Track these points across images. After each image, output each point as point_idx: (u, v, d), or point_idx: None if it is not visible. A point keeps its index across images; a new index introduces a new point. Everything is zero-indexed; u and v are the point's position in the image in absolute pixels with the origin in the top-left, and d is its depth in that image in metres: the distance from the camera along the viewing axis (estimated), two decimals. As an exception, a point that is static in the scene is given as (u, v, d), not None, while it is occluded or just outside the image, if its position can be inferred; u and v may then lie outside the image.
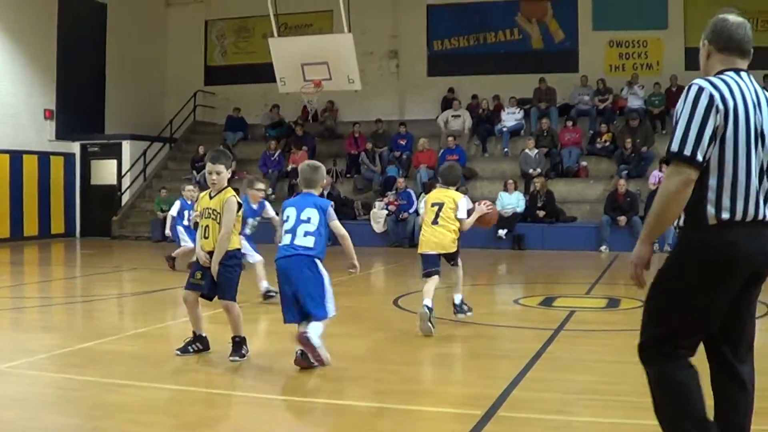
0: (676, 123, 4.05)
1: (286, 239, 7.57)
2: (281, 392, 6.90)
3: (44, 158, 25.96)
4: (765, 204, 4.08)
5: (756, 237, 4.05)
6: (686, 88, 4.10)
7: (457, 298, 9.91)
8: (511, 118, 26.03)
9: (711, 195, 4.00)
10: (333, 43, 22.46)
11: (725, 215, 3.99)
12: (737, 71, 4.14)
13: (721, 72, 4.14)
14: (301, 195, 7.89)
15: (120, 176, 27.50)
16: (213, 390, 6.94)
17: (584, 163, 24.17)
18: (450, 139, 24.89)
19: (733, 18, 4.20)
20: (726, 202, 3.99)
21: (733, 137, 3.98)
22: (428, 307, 9.16)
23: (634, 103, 25.05)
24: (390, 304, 11.73)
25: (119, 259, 18.35)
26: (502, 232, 21.44)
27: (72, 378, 7.13)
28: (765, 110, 4.10)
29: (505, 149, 25.59)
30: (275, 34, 22.95)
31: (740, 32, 4.18)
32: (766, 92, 4.19)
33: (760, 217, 4.05)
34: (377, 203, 23.54)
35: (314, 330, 7.32)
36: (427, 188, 22.96)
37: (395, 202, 23.00)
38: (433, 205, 9.70)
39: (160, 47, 31.46)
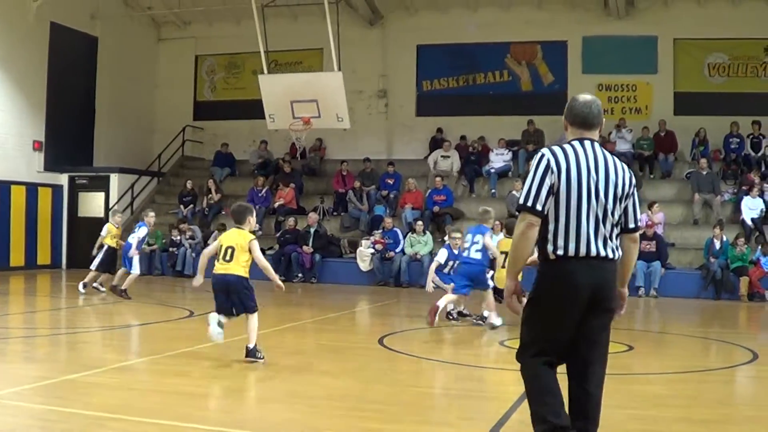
0: (524, 181, 5.18)
1: (465, 252, 13.11)
2: (260, 428, 6.86)
3: (32, 189, 25.92)
4: (601, 243, 5.07)
5: (590, 268, 5.06)
6: (536, 154, 5.21)
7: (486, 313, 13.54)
8: (499, 159, 26.17)
9: (550, 237, 5.09)
10: (323, 81, 22.62)
11: (560, 252, 5.06)
12: (581, 140, 5.21)
13: (570, 141, 5.22)
14: (476, 225, 13.30)
15: (107, 209, 27.31)
16: (197, 425, 6.90)
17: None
18: (438, 179, 24.97)
19: (582, 98, 5.30)
20: (560, 242, 5.06)
21: (566, 192, 5.05)
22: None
23: (623, 146, 25.23)
24: (375, 343, 11.70)
25: (104, 292, 18.25)
26: (489, 274, 21.38)
27: (56, 410, 7.08)
28: (602, 172, 5.11)
29: (493, 190, 25.65)
30: (265, 70, 23.08)
31: (584, 110, 5.25)
32: (608, 158, 5.17)
33: (593, 253, 5.04)
34: (364, 242, 23.50)
35: (444, 300, 13.08)
36: (411, 228, 23.09)
37: (382, 241, 22.99)
38: (502, 252, 13.12)
39: (149, 81, 31.55)
